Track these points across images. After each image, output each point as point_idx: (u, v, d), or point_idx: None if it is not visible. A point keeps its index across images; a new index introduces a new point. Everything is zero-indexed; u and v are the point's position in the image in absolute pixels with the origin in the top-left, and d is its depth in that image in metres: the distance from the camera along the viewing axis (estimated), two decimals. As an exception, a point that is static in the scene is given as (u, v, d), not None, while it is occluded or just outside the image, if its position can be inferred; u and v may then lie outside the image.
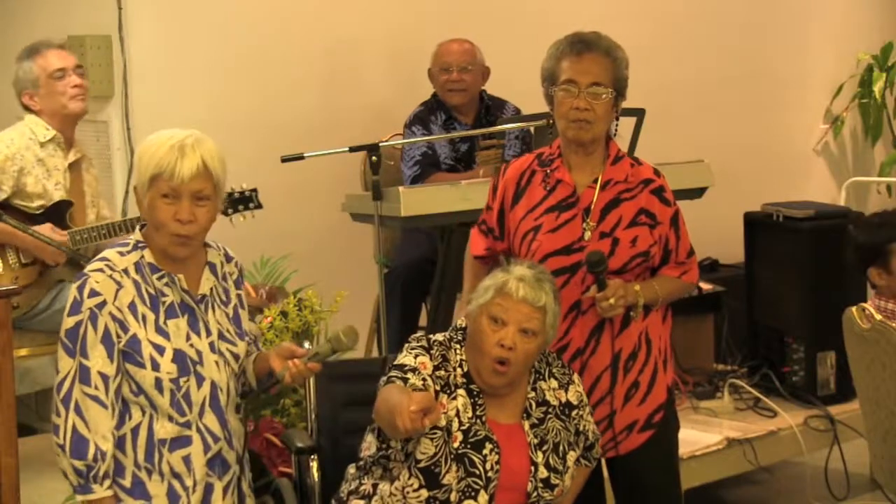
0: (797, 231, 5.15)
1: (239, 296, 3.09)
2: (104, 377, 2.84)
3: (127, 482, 2.89)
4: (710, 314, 5.32)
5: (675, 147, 5.26)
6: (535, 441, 3.12)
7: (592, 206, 3.35)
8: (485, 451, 3.04)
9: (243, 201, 4.37)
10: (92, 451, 2.82)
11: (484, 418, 3.08)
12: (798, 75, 7.19)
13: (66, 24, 5.30)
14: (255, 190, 4.41)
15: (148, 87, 5.11)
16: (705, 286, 5.18)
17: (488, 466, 3.04)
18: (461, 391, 3.09)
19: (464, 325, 3.19)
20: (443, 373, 3.08)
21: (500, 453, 3.06)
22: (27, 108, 4.47)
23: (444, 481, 3.00)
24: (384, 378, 3.08)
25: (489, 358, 3.05)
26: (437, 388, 3.06)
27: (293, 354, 3.00)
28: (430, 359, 3.09)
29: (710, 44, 6.70)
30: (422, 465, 3.01)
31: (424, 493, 3.01)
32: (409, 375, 3.04)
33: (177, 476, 2.92)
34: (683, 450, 4.19)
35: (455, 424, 3.05)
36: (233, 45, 5.27)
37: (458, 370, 3.11)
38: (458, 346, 3.16)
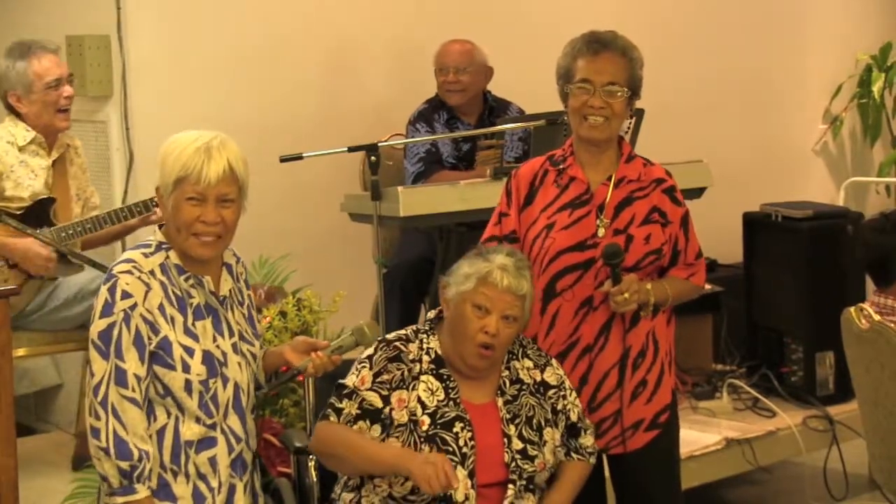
0: (796, 231, 5.15)
1: (250, 296, 3.11)
2: (138, 378, 2.82)
3: (153, 483, 2.87)
4: (709, 314, 5.32)
5: (674, 147, 5.26)
6: (508, 416, 3.16)
7: (606, 203, 3.37)
8: (455, 430, 3.08)
9: None
10: (136, 451, 2.81)
11: (458, 399, 3.13)
12: (797, 75, 7.19)
13: (64, 23, 5.29)
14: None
15: (147, 87, 5.11)
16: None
17: (462, 443, 3.07)
18: (426, 377, 3.13)
19: (435, 316, 3.24)
20: (387, 376, 3.10)
21: (473, 430, 3.09)
22: (10, 108, 4.45)
23: None
24: (327, 406, 3.12)
25: (473, 344, 3.10)
26: (385, 393, 3.09)
27: (314, 347, 3.04)
28: (370, 367, 3.12)
29: (708, 44, 6.69)
30: None
31: (410, 483, 3.03)
32: (345, 405, 3.08)
33: (202, 477, 2.91)
34: (682, 450, 4.18)
35: (419, 411, 3.09)
36: (232, 44, 5.27)
37: (426, 357, 3.16)
38: (425, 335, 3.20)
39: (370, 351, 3.17)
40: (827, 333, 4.72)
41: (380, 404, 3.08)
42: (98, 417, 2.81)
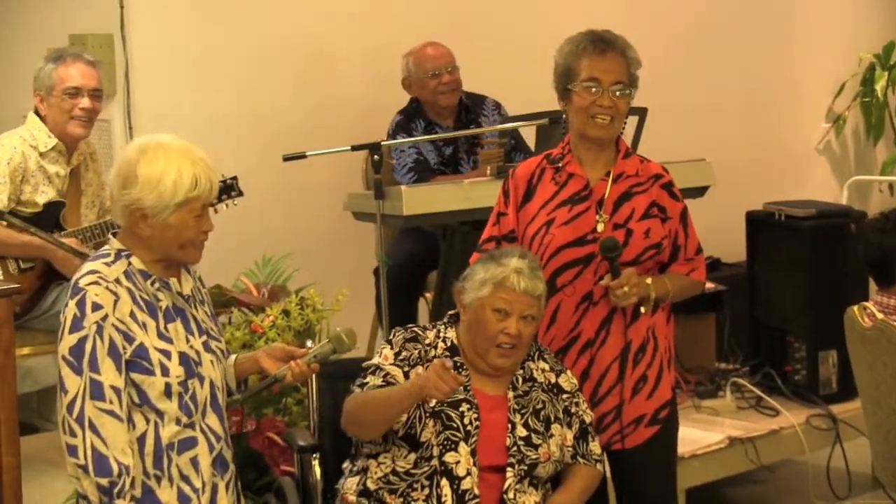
0: (799, 230, 5.14)
1: (206, 293, 3.08)
2: (116, 390, 2.78)
3: (137, 492, 2.83)
4: (712, 313, 5.31)
5: (677, 146, 5.26)
6: (516, 407, 3.21)
7: (605, 199, 3.38)
8: (461, 409, 3.15)
9: (226, 190, 4.36)
10: (116, 466, 2.76)
11: (468, 386, 3.19)
12: (800, 74, 7.19)
13: (67, 22, 5.30)
14: (235, 178, 4.42)
15: (150, 85, 5.11)
16: (707, 285, 5.17)
17: (466, 421, 3.14)
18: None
19: (454, 313, 3.32)
20: (406, 354, 3.22)
21: (479, 413, 3.16)
22: (36, 108, 4.46)
23: (423, 439, 3.12)
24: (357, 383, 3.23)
25: (494, 345, 3.19)
26: (406, 369, 3.19)
27: (291, 355, 3.01)
28: (391, 347, 3.23)
29: (711, 42, 6.69)
30: (400, 433, 3.13)
31: (413, 456, 3.12)
32: (369, 378, 3.20)
33: (185, 478, 2.88)
34: (685, 449, 4.19)
35: None
36: (234, 43, 5.27)
37: (441, 344, 3.25)
38: (443, 326, 3.30)
39: (390, 336, 3.28)
40: (830, 332, 4.71)
41: (402, 381, 3.17)
42: (74, 434, 2.75)
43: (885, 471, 3.84)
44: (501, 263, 3.21)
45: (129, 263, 2.86)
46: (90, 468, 2.75)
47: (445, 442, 3.11)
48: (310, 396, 3.47)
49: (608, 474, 3.51)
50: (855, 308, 3.82)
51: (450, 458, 3.10)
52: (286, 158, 4.33)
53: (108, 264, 2.85)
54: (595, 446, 3.31)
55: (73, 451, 2.76)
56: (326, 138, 4.89)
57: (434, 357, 3.21)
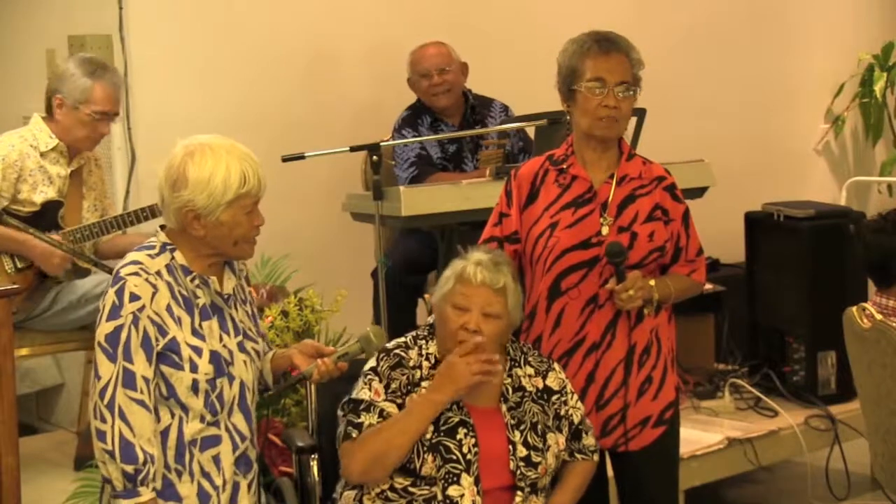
0: (798, 231, 5.15)
1: (251, 293, 3.12)
2: (147, 380, 2.82)
3: (158, 484, 2.86)
4: (711, 314, 5.32)
5: (676, 146, 5.26)
6: (513, 422, 3.17)
7: (609, 201, 3.38)
8: (459, 436, 3.09)
9: None
10: (141, 454, 2.79)
11: (461, 403, 3.13)
12: (799, 75, 7.18)
13: (66, 23, 5.30)
14: None
15: (149, 86, 5.10)
16: (706, 286, 5.17)
17: (465, 450, 3.08)
18: (427, 383, 3.13)
19: (431, 322, 3.27)
20: (395, 384, 3.13)
21: (477, 435, 3.11)
22: (48, 107, 4.45)
23: (423, 473, 3.06)
24: (342, 425, 3.13)
25: (455, 342, 3.11)
26: (399, 401, 3.11)
27: (320, 353, 3.06)
28: (380, 379, 3.13)
29: (710, 43, 6.69)
30: (398, 466, 3.07)
31: (413, 489, 3.06)
32: (364, 418, 3.10)
33: (206, 475, 2.91)
34: (684, 449, 4.18)
35: None
36: (233, 44, 5.26)
37: (426, 363, 3.17)
38: (423, 342, 3.22)
39: (372, 363, 3.18)
40: (829, 333, 4.72)
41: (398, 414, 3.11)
42: (104, 420, 2.80)
43: (884, 471, 3.84)
44: (465, 258, 3.20)
45: (172, 258, 2.90)
46: (116, 454, 2.78)
47: (447, 476, 3.06)
48: (308, 397, 3.47)
49: (610, 474, 3.52)
50: (853, 309, 3.82)
51: (453, 491, 3.05)
52: (285, 159, 4.33)
53: (151, 256, 2.89)
54: (588, 440, 3.30)
55: (101, 436, 2.80)
56: (327, 139, 4.89)
57: (420, 378, 3.14)
